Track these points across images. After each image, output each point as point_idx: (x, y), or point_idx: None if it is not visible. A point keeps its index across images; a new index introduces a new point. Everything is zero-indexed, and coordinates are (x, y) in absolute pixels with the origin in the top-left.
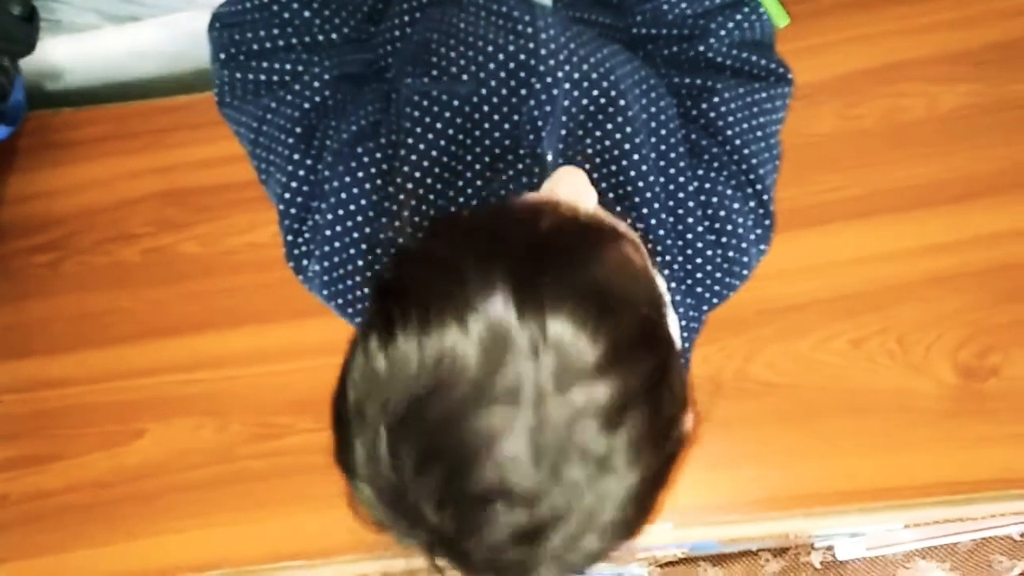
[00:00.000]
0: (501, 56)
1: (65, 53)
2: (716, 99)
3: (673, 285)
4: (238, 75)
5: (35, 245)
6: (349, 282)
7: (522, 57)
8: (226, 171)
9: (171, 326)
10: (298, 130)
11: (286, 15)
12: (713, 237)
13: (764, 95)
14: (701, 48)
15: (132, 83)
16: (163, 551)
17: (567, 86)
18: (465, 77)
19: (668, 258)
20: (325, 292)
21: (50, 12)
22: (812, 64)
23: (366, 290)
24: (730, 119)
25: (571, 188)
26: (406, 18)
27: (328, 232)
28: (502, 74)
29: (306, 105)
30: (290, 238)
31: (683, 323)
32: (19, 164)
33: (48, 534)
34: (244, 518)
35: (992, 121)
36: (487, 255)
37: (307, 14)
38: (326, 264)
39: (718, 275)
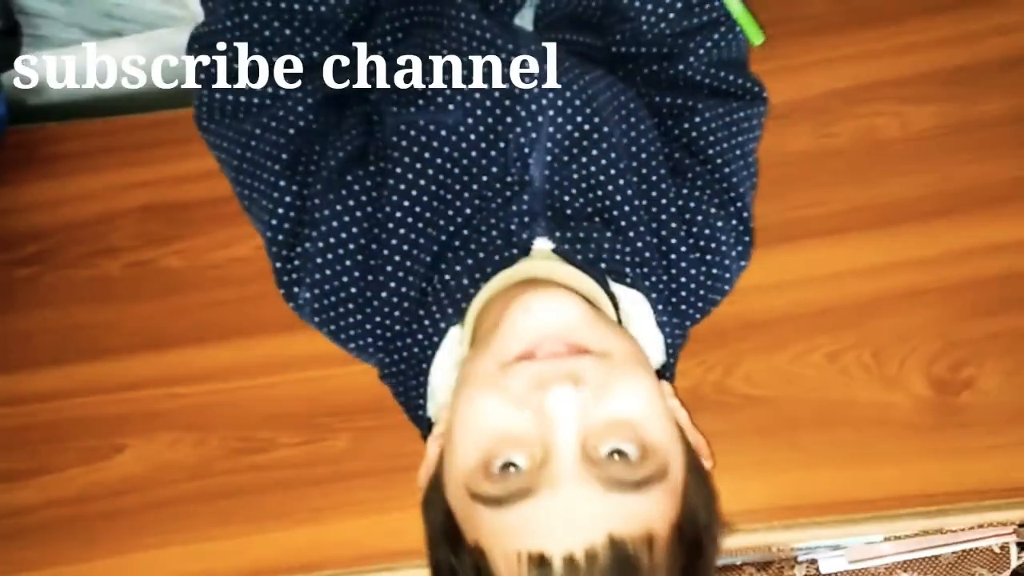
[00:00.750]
0: (485, 84)
1: (47, 68)
2: (696, 119)
3: (660, 304)
4: (217, 96)
5: (16, 259)
6: (341, 309)
7: (507, 84)
8: (208, 185)
9: (153, 340)
10: (284, 157)
11: (266, 34)
12: (696, 254)
13: (742, 114)
14: (680, 67)
15: (114, 98)
16: (144, 567)
17: (551, 113)
18: (451, 105)
19: (654, 277)
20: (317, 319)
21: (33, 27)
22: (787, 84)
23: (359, 316)
24: (710, 138)
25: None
26: (388, 39)
27: (319, 260)
28: (487, 102)
29: (290, 131)
30: (279, 265)
31: (668, 340)
32: (1, 178)
33: (27, 551)
34: (226, 533)
35: (963, 140)
36: None
37: (287, 33)
38: (317, 292)
39: (701, 292)
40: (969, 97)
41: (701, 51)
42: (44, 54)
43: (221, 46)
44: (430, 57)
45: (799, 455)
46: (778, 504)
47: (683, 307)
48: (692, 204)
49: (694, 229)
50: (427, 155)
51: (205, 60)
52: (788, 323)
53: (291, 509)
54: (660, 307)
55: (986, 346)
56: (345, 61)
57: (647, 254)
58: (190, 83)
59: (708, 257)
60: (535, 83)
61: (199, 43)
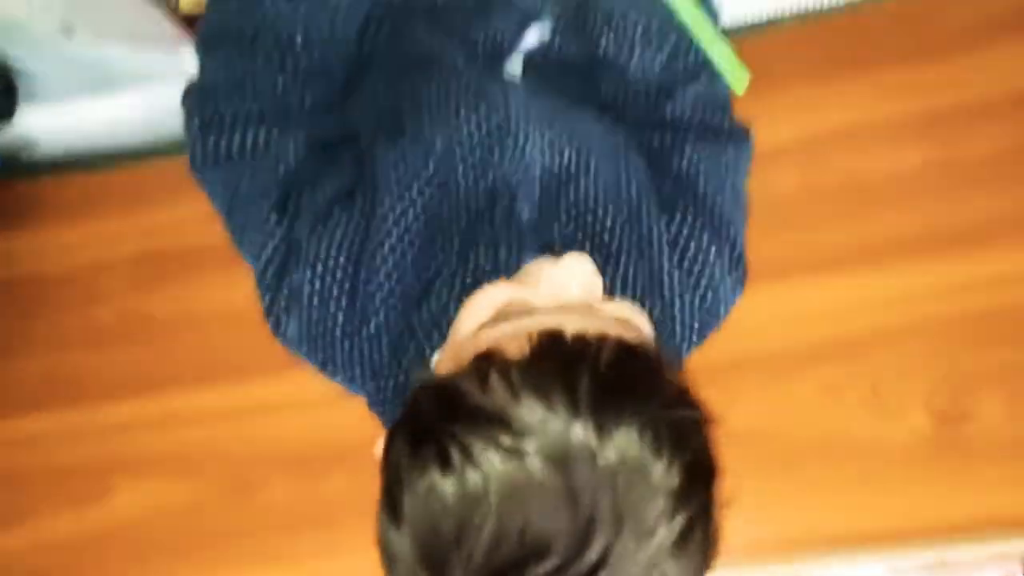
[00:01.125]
0: (474, 120)
1: (42, 122)
2: (685, 155)
3: (655, 330)
4: (211, 140)
5: (9, 306)
6: (329, 339)
7: (494, 122)
8: (200, 231)
9: (143, 384)
10: (274, 195)
11: (260, 84)
12: (690, 283)
13: (729, 151)
14: (667, 110)
15: (108, 151)
16: None
17: (538, 150)
18: (439, 143)
19: (646, 307)
20: (304, 349)
21: (29, 82)
22: (774, 126)
23: (347, 346)
24: (700, 174)
25: (582, 279)
26: (380, 86)
27: (307, 293)
28: (475, 139)
29: (281, 171)
30: (268, 298)
31: None
32: None
33: None
34: (217, 575)
35: (948, 179)
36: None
37: (281, 82)
38: (306, 326)
39: (695, 322)
40: (952, 137)
41: (687, 95)
42: (39, 108)
43: (215, 98)
44: (418, 99)
45: (799, 490)
46: (780, 537)
47: (677, 337)
48: (684, 234)
49: (686, 258)
50: (415, 189)
51: (199, 111)
52: (784, 357)
53: (287, 551)
54: (655, 335)
55: (984, 379)
56: (336, 109)
57: (638, 284)
58: (183, 133)
59: (701, 286)
60: (521, 121)
61: (193, 95)
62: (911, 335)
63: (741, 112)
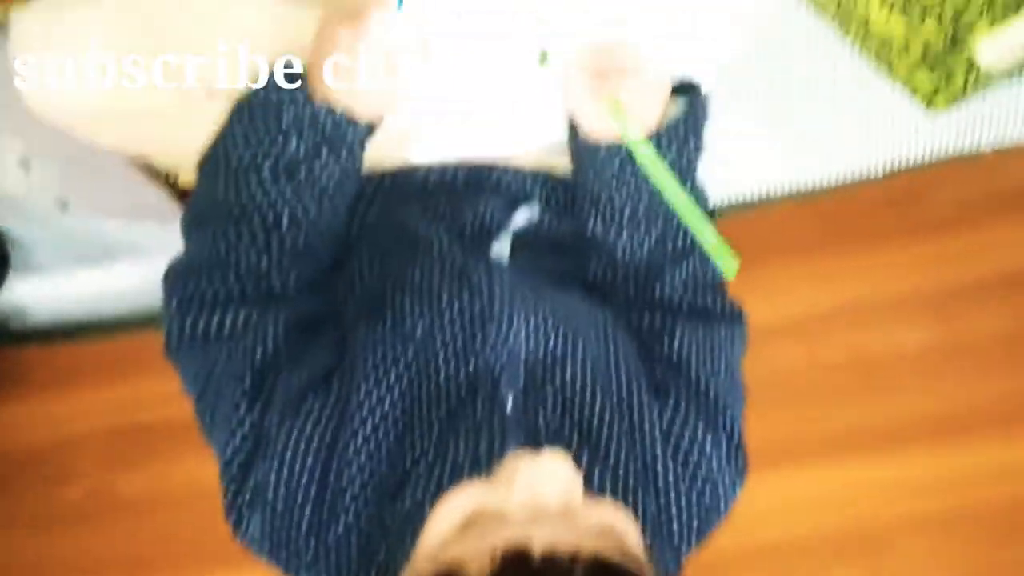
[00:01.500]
0: (456, 306)
1: (34, 292)
2: (677, 338)
3: (648, 532)
4: (189, 321)
5: None
6: (294, 534)
7: (477, 308)
8: (175, 408)
9: (109, 567)
10: (247, 381)
11: (244, 264)
12: (686, 478)
13: (722, 333)
14: (656, 291)
15: (98, 322)
16: None
17: (523, 335)
18: (420, 328)
19: (641, 506)
20: (267, 548)
21: (22, 252)
22: (772, 304)
23: (313, 545)
24: (692, 357)
25: (560, 482)
26: (365, 267)
27: (273, 485)
28: (457, 324)
29: (258, 356)
30: (231, 491)
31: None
32: None
33: None
34: None
35: (956, 361)
36: None
37: (266, 262)
38: (270, 522)
39: (694, 519)
40: (959, 317)
41: (677, 276)
42: (32, 279)
43: (196, 277)
44: (401, 282)
45: None
46: None
47: (675, 536)
48: (677, 424)
49: (681, 451)
50: (392, 374)
51: (179, 291)
52: (793, 551)
53: None
54: (650, 531)
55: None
56: (320, 288)
57: (630, 478)
58: (162, 309)
59: (699, 480)
60: (506, 306)
61: (174, 275)
62: (923, 527)
63: (739, 288)
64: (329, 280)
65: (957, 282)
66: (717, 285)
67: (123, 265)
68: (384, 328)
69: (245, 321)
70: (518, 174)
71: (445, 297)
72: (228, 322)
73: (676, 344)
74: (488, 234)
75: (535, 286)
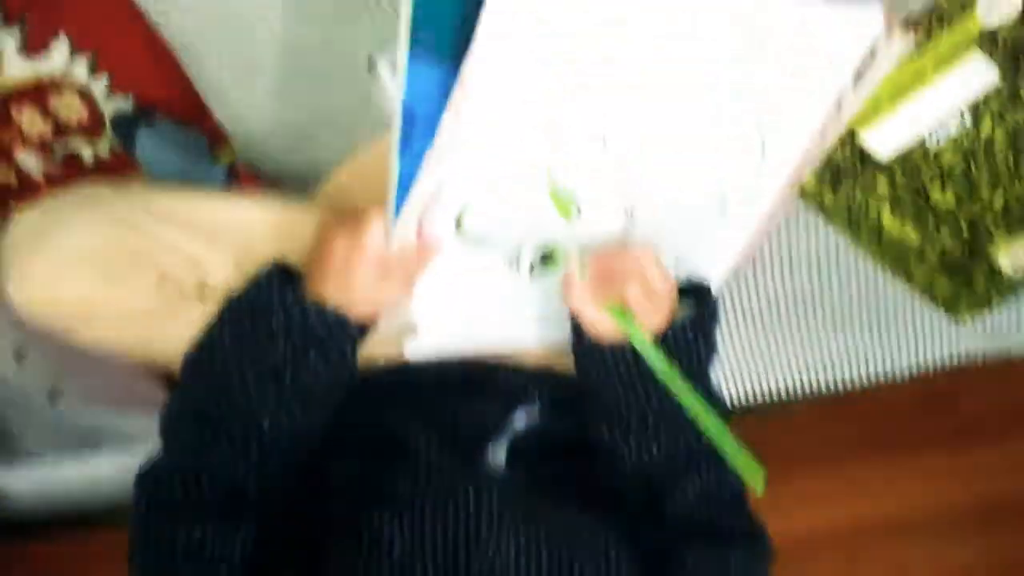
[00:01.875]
0: (440, 528)
1: (18, 480)
2: (686, 566)
3: None
4: (153, 534)
5: None
6: None
7: (463, 531)
8: None
9: None
10: None
11: (220, 471)
12: None
13: (738, 559)
14: (666, 507)
15: (84, 510)
16: None
17: (512, 554)
18: (397, 547)
19: None
20: None
21: (8, 440)
22: (806, 516)
23: None
24: None
25: None
26: (342, 469)
27: None
28: (439, 548)
29: (223, 572)
30: None
31: None
32: None
33: None
34: None
35: None
36: None
37: (243, 468)
38: None
39: None
40: (1009, 534)
41: (689, 490)
42: (16, 467)
43: (169, 483)
44: (381, 495)
45: None
46: None
47: None
48: None
49: None
50: None
51: (150, 496)
52: None
53: None
54: None
55: None
56: (298, 497)
57: None
58: (131, 516)
59: None
60: (494, 524)
61: (147, 480)
62: None
63: (768, 497)
64: (308, 484)
65: (1003, 493)
66: (736, 500)
67: (111, 454)
68: (359, 554)
69: (213, 536)
70: (519, 373)
71: (428, 516)
72: (196, 539)
73: (684, 573)
74: (484, 438)
75: (530, 503)
